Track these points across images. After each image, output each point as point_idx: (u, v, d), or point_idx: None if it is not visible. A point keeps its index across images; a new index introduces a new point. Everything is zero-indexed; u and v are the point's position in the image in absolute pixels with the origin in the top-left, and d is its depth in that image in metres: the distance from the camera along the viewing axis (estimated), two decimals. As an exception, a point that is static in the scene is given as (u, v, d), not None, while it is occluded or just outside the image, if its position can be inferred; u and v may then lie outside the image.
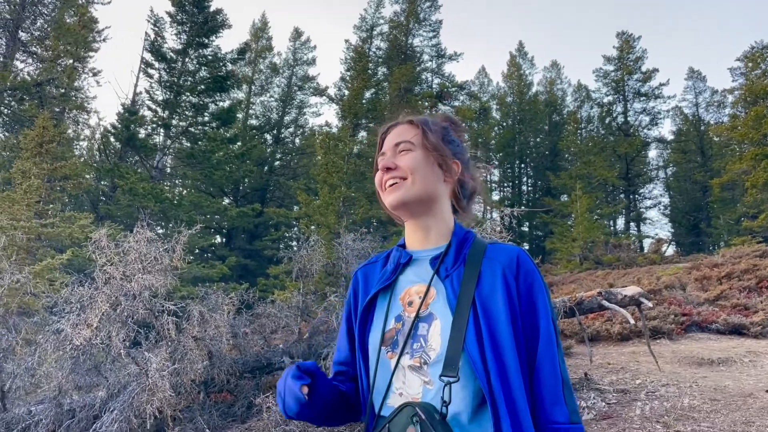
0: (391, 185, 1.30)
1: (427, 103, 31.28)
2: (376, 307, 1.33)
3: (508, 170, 44.83)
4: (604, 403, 6.34)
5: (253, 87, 36.13)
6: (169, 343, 5.88)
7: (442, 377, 1.09)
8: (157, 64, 24.25)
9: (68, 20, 26.26)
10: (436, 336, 1.17)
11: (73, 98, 26.29)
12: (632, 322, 8.10)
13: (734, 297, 13.27)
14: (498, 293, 1.16)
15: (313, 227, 17.01)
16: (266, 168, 33.18)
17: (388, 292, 1.32)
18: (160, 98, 23.61)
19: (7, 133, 24.75)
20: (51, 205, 16.57)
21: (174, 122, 23.46)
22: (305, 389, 1.16)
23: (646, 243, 34.09)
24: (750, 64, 27.38)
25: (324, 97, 35.58)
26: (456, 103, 32.53)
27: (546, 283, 1.24)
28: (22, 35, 24.73)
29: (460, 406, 1.10)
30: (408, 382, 1.18)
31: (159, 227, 22.00)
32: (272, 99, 37.16)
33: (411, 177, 1.28)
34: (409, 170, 1.28)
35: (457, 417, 1.10)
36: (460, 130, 1.46)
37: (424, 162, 1.30)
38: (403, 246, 1.39)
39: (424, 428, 1.03)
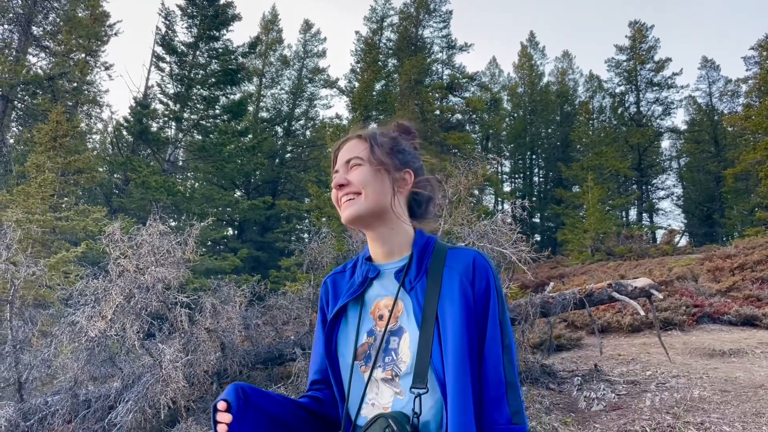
0: (345, 201, 1.33)
1: (437, 95, 31.20)
2: (348, 318, 1.36)
3: (519, 161, 44.66)
4: (614, 394, 6.35)
5: (263, 80, 36.15)
6: (182, 335, 5.96)
7: (413, 389, 1.15)
8: (168, 58, 24.32)
9: (80, 14, 26.41)
10: (406, 349, 1.22)
11: (86, 92, 26.52)
12: (642, 313, 8.08)
13: (747, 288, 13.18)
14: (456, 304, 1.20)
15: (324, 219, 17.06)
16: (277, 160, 33.27)
17: (358, 305, 1.35)
18: (172, 92, 23.69)
19: (21, 128, 25.00)
20: (65, 199, 16.73)
21: (185, 115, 23.53)
22: (222, 405, 1.14)
23: (659, 234, 33.82)
24: (764, 53, 27.06)
25: (334, 89, 35.61)
26: (467, 94, 32.39)
27: (500, 285, 1.27)
28: (35, 30, 24.88)
29: (428, 415, 1.17)
30: (380, 393, 1.24)
31: (171, 220, 22.21)
32: (283, 91, 37.20)
33: (363, 191, 1.30)
34: (360, 185, 1.30)
35: (427, 426, 1.16)
36: (412, 137, 1.48)
37: (374, 176, 1.32)
38: (369, 259, 1.41)
39: None
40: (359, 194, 1.30)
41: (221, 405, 1.14)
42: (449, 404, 1.12)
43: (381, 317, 1.30)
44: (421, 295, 1.23)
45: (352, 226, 1.36)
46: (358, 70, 32.08)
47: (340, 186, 1.33)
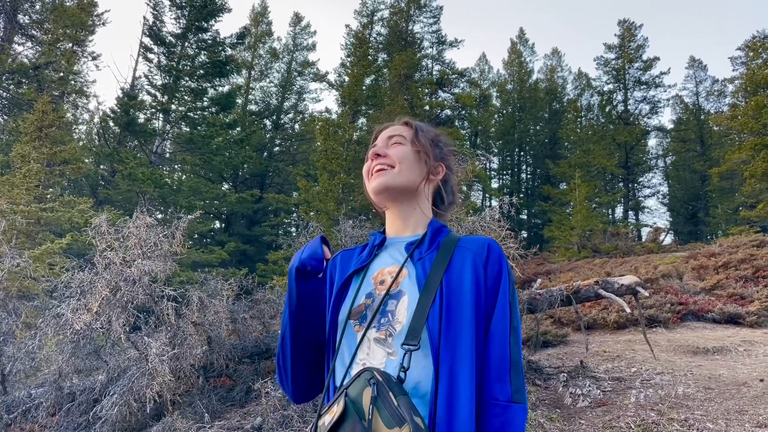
0: (377, 170, 1.37)
1: (427, 90, 31.18)
2: (350, 287, 1.37)
3: (508, 158, 44.73)
4: (599, 391, 6.40)
5: (252, 72, 35.93)
6: (169, 328, 5.92)
7: (404, 345, 1.13)
8: (156, 48, 24.10)
9: (67, 3, 26.10)
10: (403, 311, 1.22)
11: (72, 82, 26.19)
12: (628, 311, 8.15)
13: (731, 286, 13.32)
14: (466, 277, 1.22)
15: (312, 213, 17.03)
16: (266, 154, 33.12)
17: (362, 273, 1.37)
18: (159, 83, 23.49)
19: (5, 117, 24.67)
20: (50, 190, 16.56)
21: (173, 107, 23.34)
22: (326, 250, 1.33)
23: (644, 232, 34.16)
24: (751, 54, 27.26)
25: (324, 83, 35.52)
26: (456, 90, 32.41)
27: (512, 272, 1.29)
28: (21, 18, 24.56)
29: (421, 375, 1.15)
30: (372, 354, 1.22)
31: (158, 212, 21.99)
32: (272, 84, 37.00)
33: (398, 166, 1.36)
34: (397, 159, 1.36)
35: (418, 386, 1.14)
36: (450, 144, 1.54)
37: (413, 156, 1.39)
38: (382, 233, 1.45)
39: (380, 389, 1.04)
40: (392, 167, 1.36)
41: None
42: (440, 369, 1.12)
43: (382, 282, 1.31)
44: (429, 265, 1.25)
45: (378, 196, 1.40)
46: (348, 64, 31.98)
47: (377, 155, 1.39)
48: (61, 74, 24.71)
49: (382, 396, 1.03)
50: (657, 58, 36.92)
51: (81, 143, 26.91)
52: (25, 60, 23.67)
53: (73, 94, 27.07)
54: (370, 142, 1.49)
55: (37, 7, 25.34)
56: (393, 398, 1.02)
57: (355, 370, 1.23)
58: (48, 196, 15.68)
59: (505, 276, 1.25)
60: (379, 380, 1.06)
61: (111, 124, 24.90)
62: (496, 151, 43.27)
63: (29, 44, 25.11)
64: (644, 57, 37.37)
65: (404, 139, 1.41)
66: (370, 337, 1.24)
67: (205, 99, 24.74)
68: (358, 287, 1.33)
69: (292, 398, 1.43)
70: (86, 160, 21.87)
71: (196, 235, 24.20)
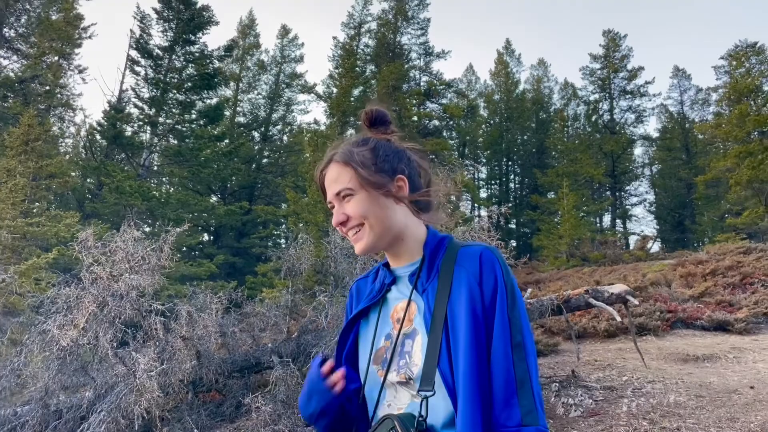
0: (353, 236, 1.31)
1: (415, 101, 31.30)
2: (369, 320, 1.37)
3: (496, 168, 44.93)
4: (591, 400, 6.39)
5: (240, 84, 35.95)
6: (157, 343, 5.85)
7: (420, 392, 1.12)
8: (143, 61, 24.08)
9: (54, 16, 26.00)
10: (418, 352, 1.20)
11: (59, 95, 26.06)
12: (619, 319, 8.17)
13: (718, 294, 13.39)
14: (463, 307, 1.16)
15: (301, 225, 16.99)
16: (254, 165, 33.05)
17: (378, 308, 1.35)
18: (147, 95, 23.46)
19: (-9, 131, 24.44)
20: (36, 204, 16.40)
21: (161, 120, 23.30)
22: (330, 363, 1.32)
23: (632, 240, 34.37)
24: (734, 63, 27.67)
25: (312, 95, 35.50)
26: (444, 101, 32.59)
27: (510, 278, 1.22)
28: (6, 32, 24.41)
29: (439, 418, 1.14)
30: (398, 396, 1.23)
31: (146, 226, 21.87)
32: (260, 96, 37.03)
33: (366, 222, 1.27)
34: (360, 217, 1.27)
35: (434, 426, 1.14)
36: (385, 126, 1.41)
37: (369, 202, 1.28)
38: (387, 265, 1.41)
39: None
40: (362, 225, 1.28)
41: (328, 364, 1.32)
42: (458, 408, 1.09)
43: (398, 320, 1.29)
44: (432, 297, 1.21)
45: (368, 255, 1.39)
46: (335, 75, 32.03)
47: (342, 224, 1.31)
48: (47, 87, 24.60)
49: None
50: (642, 68, 37.37)
51: (67, 157, 26.69)
52: (11, 74, 23.52)
53: (60, 108, 26.93)
54: (321, 195, 1.40)
55: (23, 20, 25.22)
56: None
57: (381, 412, 1.24)
58: (34, 211, 15.53)
59: (501, 288, 1.17)
60: (398, 430, 1.08)
61: (98, 137, 24.77)
62: (484, 160, 43.49)
63: (15, 58, 24.95)
64: (629, 67, 37.80)
65: (352, 189, 1.28)
66: (392, 380, 1.23)
67: (193, 111, 24.71)
68: (376, 326, 1.32)
69: None
70: (73, 174, 21.70)
71: (184, 249, 24.07)
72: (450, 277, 1.22)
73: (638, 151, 41.81)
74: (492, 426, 1.10)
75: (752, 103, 25.60)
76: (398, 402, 1.22)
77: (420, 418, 1.10)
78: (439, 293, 1.20)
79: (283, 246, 8.61)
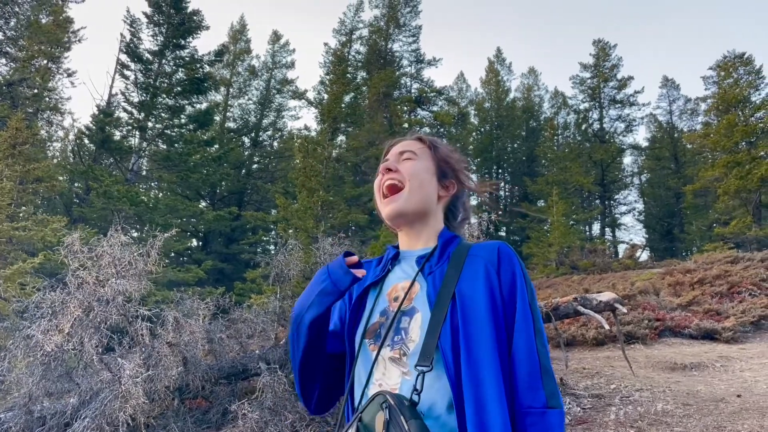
0: (388, 186, 1.36)
1: (406, 108, 31.37)
2: (366, 302, 1.37)
3: (486, 176, 45.05)
4: (579, 408, 6.39)
5: (230, 89, 35.88)
6: (143, 349, 5.79)
7: (417, 366, 1.12)
8: (133, 66, 23.93)
9: (43, 20, 25.85)
10: (416, 329, 1.20)
11: (47, 99, 25.87)
12: (607, 327, 8.18)
13: (706, 302, 13.45)
14: (479, 288, 1.19)
15: (290, 231, 16.91)
16: (244, 171, 32.96)
17: (377, 288, 1.37)
18: (136, 100, 23.28)
19: (-23, 134, 24.21)
20: (23, 208, 16.25)
21: (150, 124, 23.15)
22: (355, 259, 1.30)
23: (621, 248, 34.53)
24: (722, 73, 27.91)
25: (303, 101, 35.50)
26: (435, 108, 32.68)
27: (527, 273, 1.26)
28: (-5, 35, 24.25)
29: (436, 396, 1.13)
30: (388, 374, 1.22)
31: (134, 230, 21.73)
32: (250, 102, 36.97)
33: (409, 184, 1.33)
34: (407, 176, 1.34)
35: (433, 407, 1.13)
36: (463, 161, 1.51)
37: (424, 171, 1.37)
38: (397, 248, 1.44)
39: (393, 413, 1.04)
40: (402, 187, 1.34)
41: (353, 258, 1.31)
42: (465, 384, 1.09)
43: (396, 299, 1.30)
44: (439, 280, 1.23)
45: (393, 222, 1.39)
46: (327, 81, 32.06)
47: (388, 170, 1.37)
48: (36, 91, 24.40)
49: (394, 421, 1.03)
50: (631, 78, 37.61)
51: (55, 161, 26.57)
52: (-1, 77, 23.34)
53: (48, 111, 26.72)
54: (382, 157, 1.48)
55: (12, 23, 25.04)
56: (404, 422, 1.01)
57: (371, 390, 1.23)
58: (21, 215, 15.38)
59: (520, 278, 1.22)
60: (392, 404, 1.06)
61: (86, 141, 24.56)
62: (474, 168, 43.59)
63: (3, 61, 24.74)
64: (619, 76, 38.03)
65: (415, 154, 1.39)
66: (384, 356, 1.23)
67: (182, 116, 24.59)
68: (374, 304, 1.33)
69: (309, 411, 1.43)
70: (60, 178, 21.51)
71: (172, 254, 23.87)
72: (461, 264, 1.25)
73: (627, 160, 42.10)
74: (516, 407, 1.12)
75: (740, 113, 25.81)
76: (388, 380, 1.21)
77: (414, 392, 1.10)
78: (447, 277, 1.23)
79: (272, 252, 8.57)
